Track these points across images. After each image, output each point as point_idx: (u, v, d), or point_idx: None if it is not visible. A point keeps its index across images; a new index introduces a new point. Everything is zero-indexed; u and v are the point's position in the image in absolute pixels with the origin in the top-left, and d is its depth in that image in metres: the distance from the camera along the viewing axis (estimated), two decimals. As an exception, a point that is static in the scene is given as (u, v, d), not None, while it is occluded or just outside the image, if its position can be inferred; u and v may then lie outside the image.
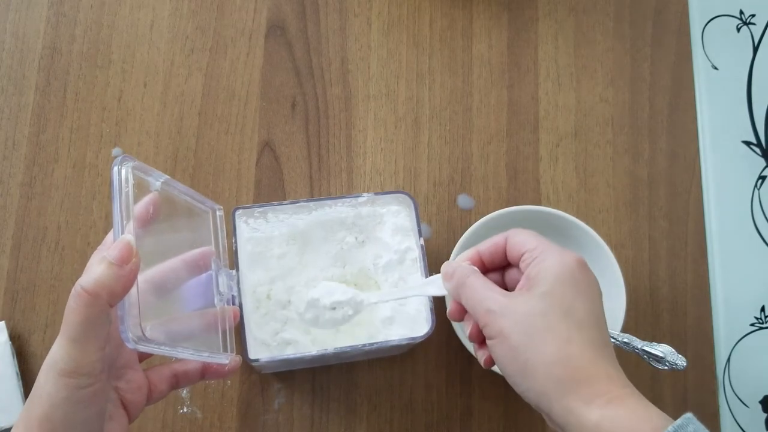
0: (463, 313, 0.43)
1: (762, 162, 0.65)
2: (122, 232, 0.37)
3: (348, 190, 0.62)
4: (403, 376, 0.58)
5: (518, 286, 0.41)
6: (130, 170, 0.40)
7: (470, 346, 0.53)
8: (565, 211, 0.57)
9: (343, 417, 0.57)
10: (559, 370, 0.36)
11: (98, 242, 0.59)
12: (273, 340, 0.52)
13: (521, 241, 0.42)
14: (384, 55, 0.66)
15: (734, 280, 0.62)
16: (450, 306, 0.44)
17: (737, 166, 0.65)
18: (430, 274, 0.51)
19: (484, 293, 0.40)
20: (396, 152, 0.63)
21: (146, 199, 0.41)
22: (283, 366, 0.55)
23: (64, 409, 0.35)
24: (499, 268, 0.45)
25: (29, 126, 0.62)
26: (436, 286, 0.46)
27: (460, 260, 0.44)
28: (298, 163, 0.63)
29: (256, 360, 0.49)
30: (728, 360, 0.61)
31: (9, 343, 0.56)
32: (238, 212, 0.53)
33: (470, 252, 0.44)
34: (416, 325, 0.52)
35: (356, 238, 0.56)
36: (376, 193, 0.54)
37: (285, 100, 0.64)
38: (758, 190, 0.65)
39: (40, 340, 0.57)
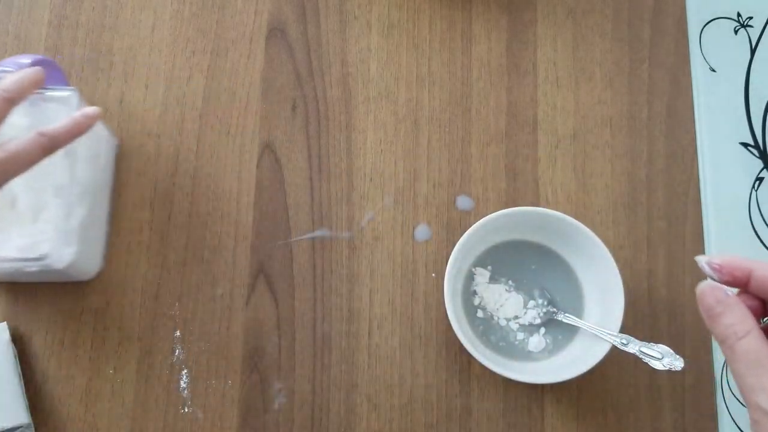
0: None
1: (759, 163, 0.66)
2: None
3: (348, 190, 0.62)
4: (403, 376, 0.59)
5: None
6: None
7: (470, 346, 0.54)
8: (564, 212, 0.58)
9: (343, 417, 0.58)
10: None
11: (100, 243, 0.60)
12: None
13: None
14: (384, 58, 0.66)
15: (732, 280, 0.63)
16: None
17: (735, 168, 0.65)
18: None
19: (758, 379, 0.32)
20: (396, 154, 0.64)
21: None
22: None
23: None
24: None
25: (31, 128, 0.62)
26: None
27: (730, 290, 0.35)
28: (299, 164, 0.63)
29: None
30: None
31: (11, 344, 0.56)
32: None
33: (744, 274, 0.34)
34: None
35: None
36: None
37: (285, 102, 0.64)
38: (756, 191, 0.65)
39: (41, 341, 0.58)
